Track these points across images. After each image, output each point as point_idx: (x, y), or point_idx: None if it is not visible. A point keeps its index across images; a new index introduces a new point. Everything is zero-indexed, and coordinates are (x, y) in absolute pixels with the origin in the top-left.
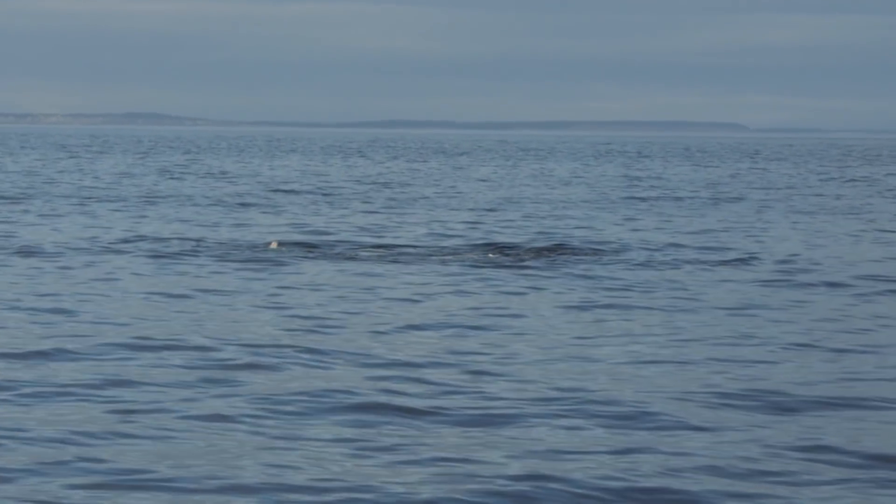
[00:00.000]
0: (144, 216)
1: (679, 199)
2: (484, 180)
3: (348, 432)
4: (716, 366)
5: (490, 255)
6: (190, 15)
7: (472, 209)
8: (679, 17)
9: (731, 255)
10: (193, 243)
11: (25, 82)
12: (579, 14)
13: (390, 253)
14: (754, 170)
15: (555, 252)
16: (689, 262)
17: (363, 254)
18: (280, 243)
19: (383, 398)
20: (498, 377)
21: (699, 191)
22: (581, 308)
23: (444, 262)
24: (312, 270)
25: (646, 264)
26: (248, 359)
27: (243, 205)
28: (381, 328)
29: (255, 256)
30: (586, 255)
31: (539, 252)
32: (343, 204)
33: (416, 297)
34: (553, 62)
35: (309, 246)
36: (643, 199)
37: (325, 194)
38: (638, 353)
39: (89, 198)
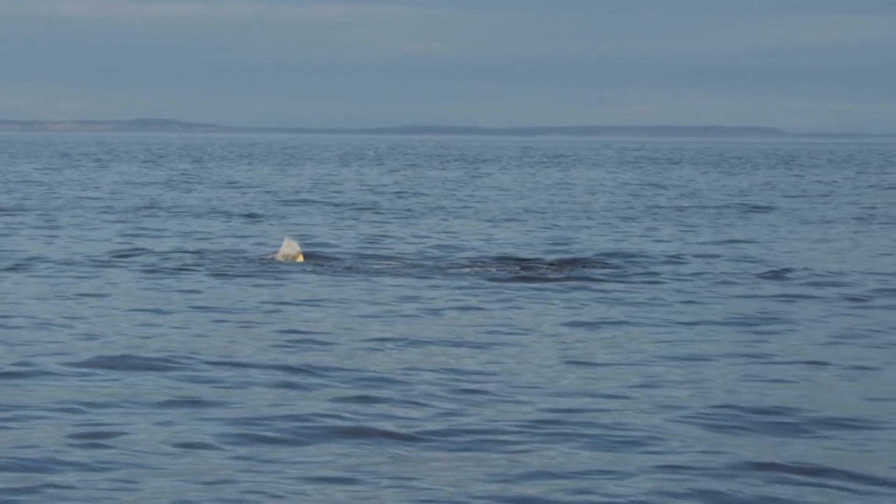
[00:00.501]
0: (144, 228)
1: (705, 208)
2: (504, 189)
3: (331, 460)
4: (729, 385)
5: (504, 269)
6: (202, 18)
7: (488, 220)
8: (713, 18)
9: (756, 269)
10: (193, 256)
11: (31, 88)
12: (608, 14)
13: (397, 266)
14: (789, 177)
15: (573, 266)
16: (711, 275)
17: (373, 266)
18: (304, 255)
19: (372, 423)
20: (498, 398)
21: (728, 199)
22: (594, 325)
23: (453, 276)
24: (313, 284)
25: (665, 278)
26: (235, 379)
27: (250, 216)
28: (379, 346)
29: (256, 270)
30: (605, 268)
31: (555, 265)
32: (353, 215)
33: (419, 313)
34: (580, 64)
35: (317, 258)
36: (669, 209)
37: (336, 205)
38: (649, 372)
39: (89, 209)
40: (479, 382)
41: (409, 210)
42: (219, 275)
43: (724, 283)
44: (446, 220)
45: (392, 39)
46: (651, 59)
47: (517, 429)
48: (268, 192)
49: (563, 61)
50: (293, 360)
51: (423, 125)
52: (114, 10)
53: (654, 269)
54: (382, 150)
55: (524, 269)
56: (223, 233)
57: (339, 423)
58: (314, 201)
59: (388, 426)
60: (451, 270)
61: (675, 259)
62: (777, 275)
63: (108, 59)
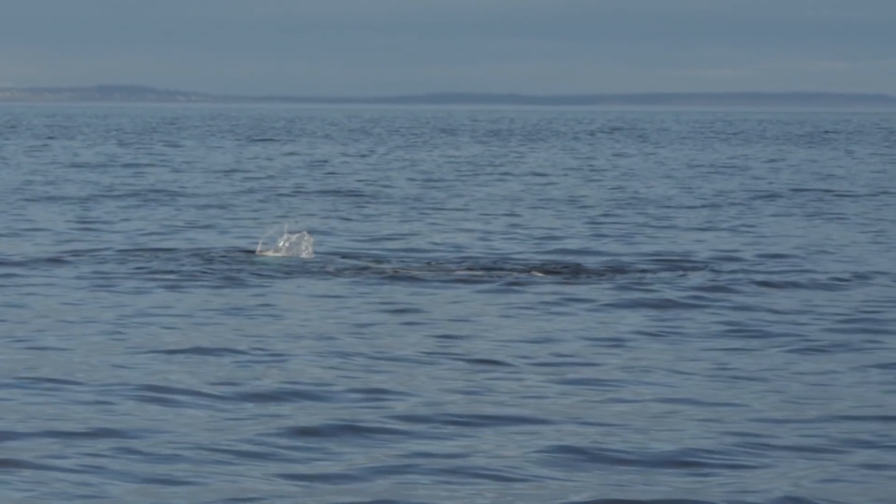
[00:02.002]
0: (94, 220)
1: (773, 197)
2: (540, 174)
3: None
4: (753, 411)
5: (533, 273)
6: None
7: (510, 214)
8: None
9: (813, 277)
10: (149, 256)
11: None
12: None
13: (398, 267)
14: (892, 155)
15: (610, 272)
16: (761, 282)
17: (359, 268)
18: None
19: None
20: (498, 420)
21: (805, 185)
22: (621, 340)
23: (465, 280)
24: (288, 289)
25: (711, 286)
26: (127, 404)
27: (221, 207)
28: (339, 361)
29: (221, 271)
30: (645, 272)
31: (591, 271)
32: (357, 203)
33: (410, 321)
34: (645, 17)
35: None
36: (733, 197)
37: (334, 192)
38: (672, 392)
39: (25, 198)
40: (467, 405)
41: (420, 200)
42: (183, 277)
43: (773, 292)
44: (469, 211)
45: None
46: (731, 11)
47: (525, 459)
48: (251, 177)
49: (624, 13)
50: (217, 375)
51: (453, 92)
52: None
53: (700, 275)
54: (403, 124)
55: (555, 274)
56: (192, 226)
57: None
58: (309, 191)
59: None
60: (469, 272)
61: (729, 263)
62: (834, 285)
63: (66, 13)
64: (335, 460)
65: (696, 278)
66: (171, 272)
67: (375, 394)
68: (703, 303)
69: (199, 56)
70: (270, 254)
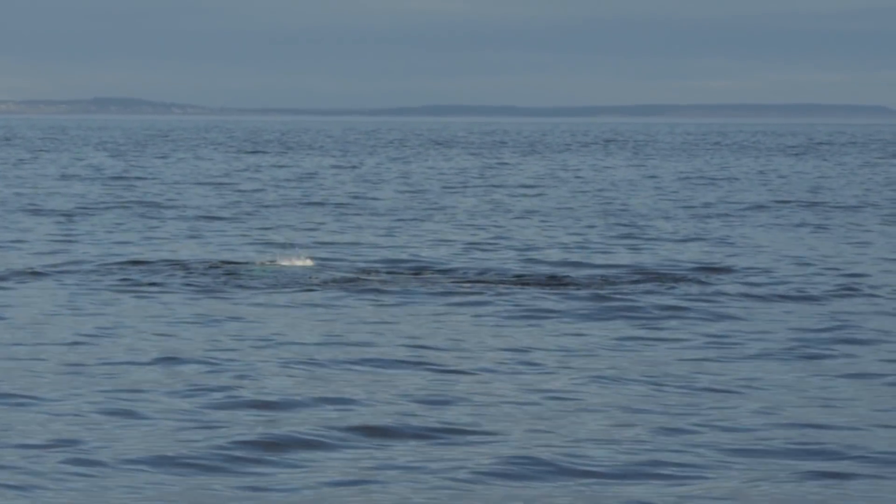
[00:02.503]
0: (79, 233)
1: (759, 208)
2: (528, 186)
3: None
4: (724, 420)
5: (517, 283)
6: None
7: (496, 225)
8: None
9: (794, 287)
10: (131, 268)
11: None
12: None
13: (382, 279)
14: (882, 166)
15: (593, 283)
16: (741, 294)
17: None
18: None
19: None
20: (461, 431)
21: (792, 196)
22: (594, 350)
23: (450, 293)
24: (266, 300)
25: (690, 296)
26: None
27: (207, 218)
28: (306, 370)
29: (202, 282)
30: (626, 283)
31: (572, 282)
32: (343, 214)
33: (381, 331)
34: (643, 29)
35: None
36: (720, 208)
37: (319, 203)
38: (642, 401)
39: (9, 209)
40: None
41: (409, 209)
42: (166, 290)
43: (758, 301)
44: (452, 220)
45: None
46: (729, 22)
47: (496, 468)
48: (241, 190)
49: (621, 25)
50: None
51: (450, 104)
52: None
53: (688, 287)
54: (397, 137)
55: (547, 286)
56: (176, 238)
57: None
58: (285, 203)
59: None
60: (453, 282)
61: (717, 275)
62: (817, 295)
63: (62, 25)
64: (298, 470)
65: (677, 289)
66: (153, 284)
67: (340, 403)
68: (680, 314)
69: (196, 68)
70: (258, 264)
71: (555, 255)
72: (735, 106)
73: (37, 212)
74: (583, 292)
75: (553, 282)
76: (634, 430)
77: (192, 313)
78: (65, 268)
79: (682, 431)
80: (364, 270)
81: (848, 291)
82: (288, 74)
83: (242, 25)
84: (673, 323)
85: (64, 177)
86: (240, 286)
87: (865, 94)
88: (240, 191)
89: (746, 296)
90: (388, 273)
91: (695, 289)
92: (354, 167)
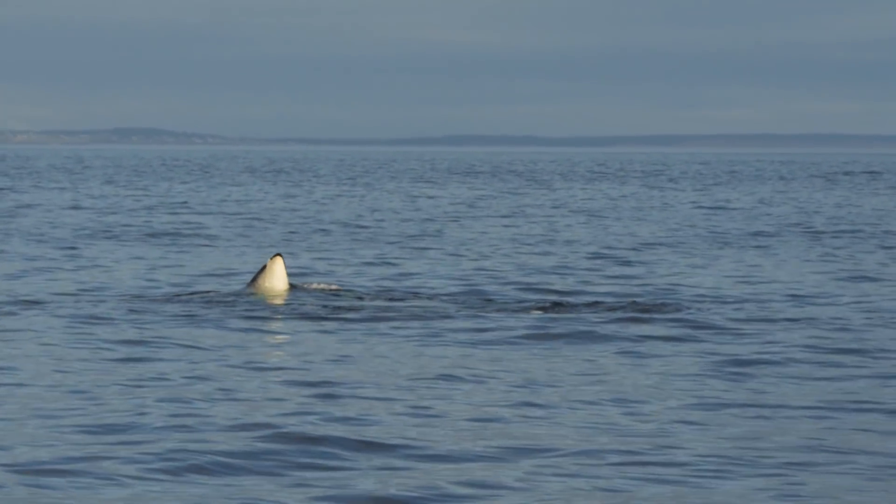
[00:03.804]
0: (84, 260)
1: (767, 235)
2: (540, 215)
3: None
4: (690, 445)
5: (535, 311)
6: (195, 3)
7: (502, 254)
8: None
9: (785, 315)
10: (130, 298)
11: None
12: None
13: (383, 304)
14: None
15: (592, 309)
16: (731, 318)
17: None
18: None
19: None
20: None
21: (800, 223)
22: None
23: (447, 316)
24: (251, 326)
25: (678, 323)
26: None
27: (211, 246)
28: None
29: (193, 309)
30: (622, 309)
31: (570, 306)
32: (354, 239)
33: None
34: (663, 58)
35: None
36: (726, 237)
37: (321, 230)
38: (622, 428)
39: (12, 235)
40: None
41: (422, 237)
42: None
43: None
44: (469, 249)
45: (431, 28)
46: (750, 51)
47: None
48: (242, 215)
49: (640, 55)
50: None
51: (469, 134)
52: None
53: (691, 314)
54: (415, 166)
55: (556, 312)
56: (184, 265)
57: None
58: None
59: None
60: (462, 310)
61: (730, 302)
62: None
63: (82, 55)
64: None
65: (665, 315)
66: (150, 311)
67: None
68: (669, 342)
69: (216, 98)
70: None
71: (555, 280)
72: (754, 136)
73: (41, 241)
74: (580, 317)
75: (551, 307)
76: (597, 455)
77: (174, 337)
78: (64, 297)
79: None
80: (361, 296)
81: (835, 321)
82: (308, 104)
83: (262, 55)
84: (664, 348)
85: (73, 206)
86: (225, 312)
87: (885, 124)
88: (248, 217)
89: (734, 319)
90: (389, 296)
91: (681, 315)
92: (363, 196)
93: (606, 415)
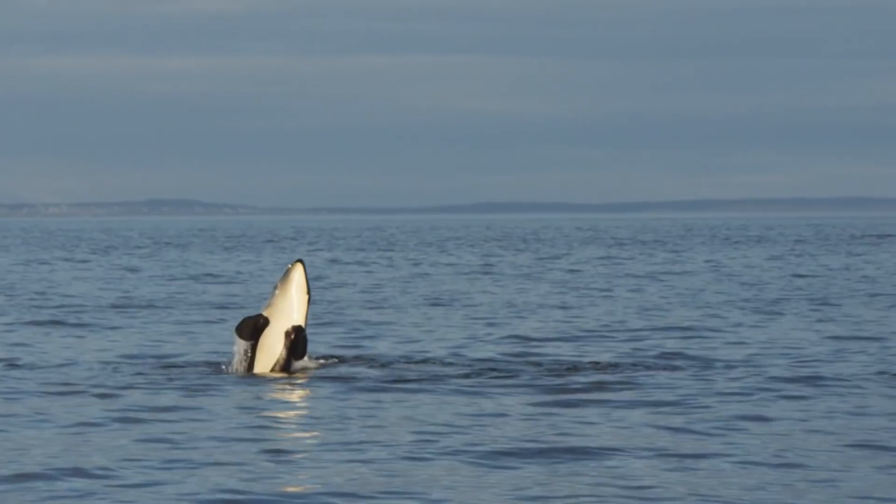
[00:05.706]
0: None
1: (775, 301)
2: (556, 281)
3: None
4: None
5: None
6: (226, 73)
7: (513, 318)
8: (857, 62)
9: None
10: (120, 367)
11: (19, 164)
12: (723, 60)
13: (388, 373)
14: None
15: (599, 371)
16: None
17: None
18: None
19: None
20: None
21: (823, 290)
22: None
23: (445, 376)
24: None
25: (727, 392)
26: None
27: (206, 322)
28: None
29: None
30: (648, 370)
31: (600, 366)
32: (366, 306)
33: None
34: (691, 123)
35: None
36: (738, 304)
37: (330, 301)
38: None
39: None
40: None
41: (436, 299)
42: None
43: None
44: (479, 316)
45: (460, 96)
46: (779, 115)
47: None
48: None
49: (670, 120)
50: None
51: (501, 202)
52: (118, 66)
53: (722, 378)
54: (448, 233)
55: (559, 376)
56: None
57: None
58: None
59: None
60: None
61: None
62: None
63: (113, 127)
64: None
65: (656, 378)
66: (131, 386)
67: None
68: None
69: (247, 168)
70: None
71: (556, 346)
72: (787, 200)
73: (37, 308)
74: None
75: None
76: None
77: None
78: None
79: None
80: (369, 362)
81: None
82: (338, 173)
83: (291, 125)
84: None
85: (76, 278)
86: (214, 383)
87: None
88: (249, 285)
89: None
90: (394, 364)
91: (674, 376)
92: (390, 265)
93: None
